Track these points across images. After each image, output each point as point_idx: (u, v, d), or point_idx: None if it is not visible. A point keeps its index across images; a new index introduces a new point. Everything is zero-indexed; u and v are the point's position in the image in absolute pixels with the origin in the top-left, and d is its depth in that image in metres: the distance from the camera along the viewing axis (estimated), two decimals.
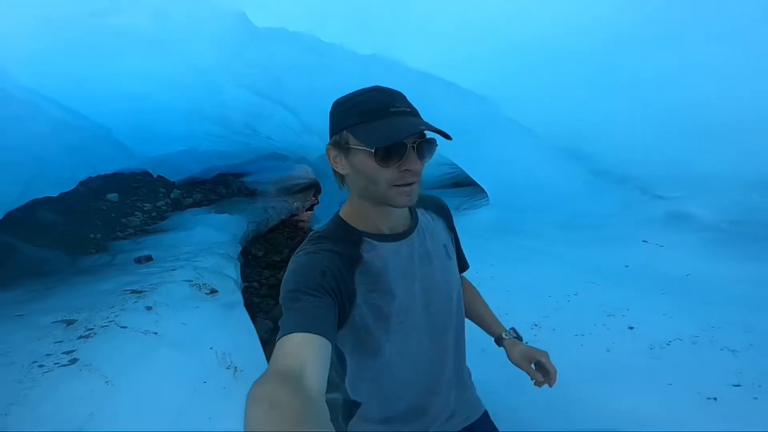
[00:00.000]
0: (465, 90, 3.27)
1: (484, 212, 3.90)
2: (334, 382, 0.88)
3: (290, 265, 0.82)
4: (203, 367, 2.14)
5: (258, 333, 2.94)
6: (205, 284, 3.41)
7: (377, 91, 0.83)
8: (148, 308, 2.83)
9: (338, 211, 0.94)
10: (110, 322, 2.61)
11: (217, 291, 3.30)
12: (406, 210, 0.95)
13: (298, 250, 0.85)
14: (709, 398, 1.55)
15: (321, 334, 0.68)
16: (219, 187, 10.43)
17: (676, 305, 2.14)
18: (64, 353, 2.29)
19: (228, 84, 4.23)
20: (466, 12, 2.75)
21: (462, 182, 6.58)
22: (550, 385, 1.01)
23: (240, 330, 2.60)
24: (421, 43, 3.11)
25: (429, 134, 0.81)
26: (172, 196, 8.41)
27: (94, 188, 7.35)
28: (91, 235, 6.03)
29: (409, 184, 0.82)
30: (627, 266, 2.65)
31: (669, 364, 1.75)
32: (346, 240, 0.87)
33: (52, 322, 2.72)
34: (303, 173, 12.47)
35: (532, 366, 1.04)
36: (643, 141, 2.94)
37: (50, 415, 1.86)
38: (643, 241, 2.84)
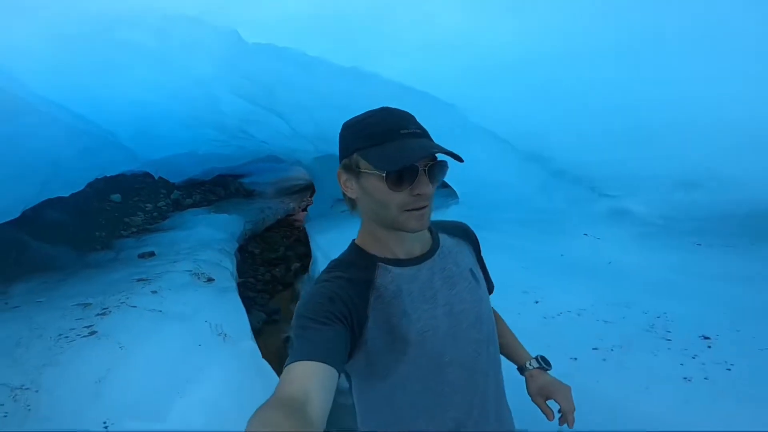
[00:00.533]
0: (436, 99, 3.73)
1: (454, 210, 4.37)
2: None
3: (303, 295, 0.95)
4: (198, 334, 2.62)
5: (252, 324, 3.42)
6: (203, 273, 3.89)
7: (387, 112, 0.83)
8: (153, 292, 3.31)
9: (354, 240, 0.94)
10: (122, 303, 3.10)
11: (213, 279, 3.78)
12: (426, 233, 0.94)
13: (314, 281, 0.86)
14: (570, 358, 2.01)
15: (328, 363, 0.68)
16: (218, 188, 10.94)
17: (582, 286, 2.62)
18: (84, 327, 2.77)
19: (224, 93, 4.72)
20: (435, 28, 3.22)
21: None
22: (569, 425, 0.97)
23: (231, 308, 3.09)
24: (396, 56, 3.58)
25: (440, 156, 0.80)
26: (172, 196, 8.92)
27: (99, 189, 7.84)
28: (97, 234, 6.53)
29: (421, 208, 0.81)
30: (562, 255, 3.11)
31: (553, 331, 2.22)
32: (360, 265, 0.87)
33: (71, 305, 3.21)
34: (299, 175, 12.95)
35: (548, 402, 1.01)
36: (593, 144, 3.40)
37: (75, 372, 2.34)
38: (584, 234, 3.31)
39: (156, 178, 9.08)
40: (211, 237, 6.32)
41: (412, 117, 0.84)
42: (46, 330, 2.78)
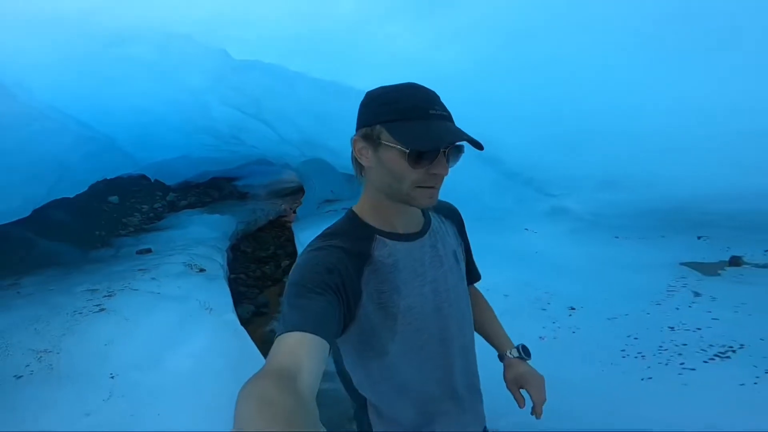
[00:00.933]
0: None
1: None
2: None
3: (297, 261, 0.83)
4: (189, 309, 3.20)
5: (242, 315, 3.95)
6: (195, 265, 4.44)
7: (415, 89, 0.84)
8: (152, 279, 3.86)
9: (352, 207, 0.95)
10: (125, 287, 3.65)
11: (205, 270, 4.32)
12: (419, 211, 0.97)
13: (307, 246, 0.87)
14: None
15: (320, 335, 0.69)
16: (212, 191, 11.49)
17: (506, 270, 3.16)
18: (94, 305, 3.32)
19: (215, 103, 5.29)
20: (398, 46, 3.79)
21: None
22: (536, 416, 1.00)
23: (217, 291, 3.67)
24: (368, 70, 4.14)
25: (459, 142, 0.83)
26: (168, 198, 9.48)
27: (98, 191, 8.39)
28: (97, 233, 7.08)
29: (433, 187, 0.84)
30: (503, 247, 3.66)
31: None
32: (357, 236, 0.89)
33: (80, 291, 3.75)
34: (291, 178, 13.50)
35: (522, 391, 1.05)
36: (539, 149, 3.96)
37: (88, 338, 2.89)
38: (525, 228, 3.86)
39: (152, 180, 9.63)
40: (204, 235, 6.86)
41: (438, 97, 0.85)
42: (62, 309, 3.32)
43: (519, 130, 3.95)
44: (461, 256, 1.06)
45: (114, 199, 8.50)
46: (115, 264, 4.86)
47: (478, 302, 1.21)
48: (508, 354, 1.10)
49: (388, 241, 0.90)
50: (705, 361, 1.90)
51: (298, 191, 13.19)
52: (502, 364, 1.11)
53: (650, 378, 1.87)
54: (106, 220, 7.61)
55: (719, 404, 1.66)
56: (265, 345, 3.72)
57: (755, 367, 1.81)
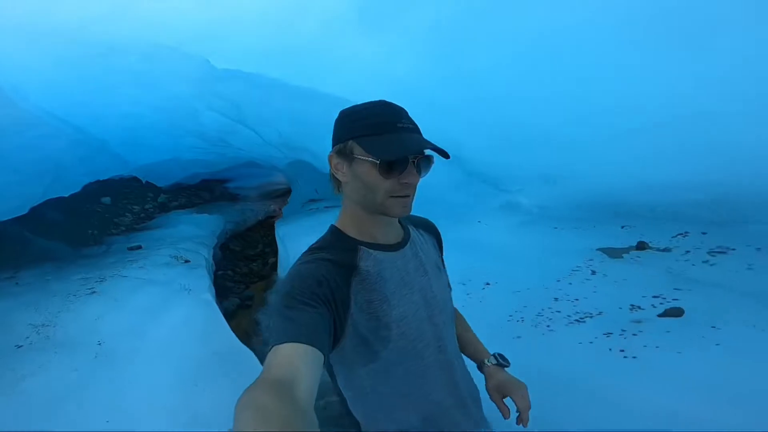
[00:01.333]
0: None
1: None
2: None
3: (287, 275, 0.86)
4: (171, 291, 3.67)
5: (227, 308, 4.39)
6: (181, 257, 4.90)
7: (384, 105, 0.91)
8: (140, 268, 4.32)
9: (333, 224, 1.00)
10: (115, 274, 4.11)
11: (189, 261, 4.78)
12: (397, 223, 1.03)
13: (297, 260, 0.90)
14: None
15: (314, 345, 0.71)
16: (203, 192, 11.96)
17: (454, 257, 3.61)
18: (87, 289, 3.78)
19: (201, 108, 5.76)
20: (368, 56, 4.25)
21: None
22: (523, 424, 1.02)
23: (198, 276, 4.14)
24: (338, 77, 4.61)
25: (427, 152, 0.89)
26: (159, 199, 9.93)
27: (90, 192, 8.83)
28: (90, 232, 7.52)
29: (406, 196, 0.90)
30: (458, 239, 4.13)
31: None
32: (342, 248, 0.92)
33: (75, 279, 4.21)
34: (281, 179, 13.99)
35: (505, 400, 1.07)
36: (496, 149, 4.42)
37: (81, 314, 3.34)
38: (478, 221, 4.33)
39: (143, 182, 10.09)
40: (192, 233, 7.31)
41: (406, 112, 0.92)
42: (58, 292, 3.78)
43: (476, 133, 4.42)
44: (442, 266, 1.12)
45: (106, 200, 8.94)
46: (106, 258, 5.32)
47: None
48: (486, 363, 1.13)
49: (371, 251, 0.94)
50: (566, 325, 2.36)
51: (287, 192, 13.68)
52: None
53: (519, 336, 2.33)
54: (98, 220, 8.05)
55: (568, 356, 2.11)
56: (247, 334, 4.17)
57: (599, 329, 2.25)
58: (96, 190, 8.96)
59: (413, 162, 0.89)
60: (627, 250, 3.17)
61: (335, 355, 0.91)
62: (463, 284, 3.09)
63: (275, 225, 7.53)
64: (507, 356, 1.16)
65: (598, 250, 3.29)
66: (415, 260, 1.00)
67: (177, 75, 5.18)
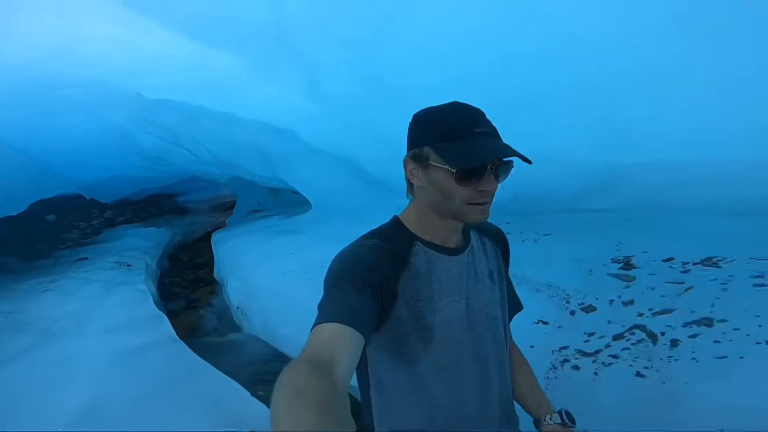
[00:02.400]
0: (291, 132, 5.84)
1: (310, 213, 6.62)
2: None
3: (338, 255, 0.92)
4: (112, 285, 4.72)
5: (173, 308, 5.38)
6: (124, 262, 5.92)
7: (460, 108, 0.91)
8: (86, 271, 5.34)
9: (397, 215, 1.05)
10: (65, 277, 5.14)
11: (131, 265, 5.80)
12: (461, 228, 1.03)
13: (350, 244, 0.96)
14: None
15: (356, 328, 0.75)
16: (151, 207, 12.78)
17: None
18: (42, 288, 4.81)
19: (138, 132, 6.79)
20: (270, 89, 5.36)
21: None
22: None
23: (136, 275, 5.23)
24: (256, 101, 5.69)
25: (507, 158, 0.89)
26: (105, 215, 10.76)
27: (36, 210, 9.57)
28: (38, 247, 8.33)
29: (484, 203, 0.90)
30: (352, 236, 5.30)
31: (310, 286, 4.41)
32: (398, 239, 0.98)
33: (30, 282, 5.20)
34: (228, 192, 14.99)
35: None
36: (394, 160, 5.60)
37: (41, 304, 4.37)
38: (373, 221, 5.52)
39: (87, 199, 10.88)
40: (138, 245, 8.22)
41: (483, 114, 0.91)
42: (16, 291, 4.77)
43: (378, 147, 5.61)
44: (498, 278, 1.10)
45: (51, 217, 9.71)
46: (54, 267, 6.27)
47: (513, 356, 1.19)
48: (546, 420, 1.08)
49: (428, 250, 0.97)
50: None
51: (234, 205, 14.66)
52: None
53: None
54: (45, 237, 8.86)
55: None
56: (193, 331, 5.14)
57: None
58: (41, 208, 9.71)
59: (491, 168, 0.89)
60: None
61: (374, 345, 0.94)
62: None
63: (212, 234, 8.54)
64: None
65: None
66: (470, 268, 1.02)
67: (113, 105, 6.19)
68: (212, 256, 10.63)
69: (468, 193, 0.89)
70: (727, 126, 2.85)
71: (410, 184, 0.99)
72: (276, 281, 4.70)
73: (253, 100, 5.48)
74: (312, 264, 4.71)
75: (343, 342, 0.74)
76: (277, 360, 3.73)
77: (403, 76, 3.93)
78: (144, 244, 8.38)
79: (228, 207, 14.55)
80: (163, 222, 11.11)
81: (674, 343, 2.17)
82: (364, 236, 1.00)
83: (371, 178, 5.97)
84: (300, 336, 3.43)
